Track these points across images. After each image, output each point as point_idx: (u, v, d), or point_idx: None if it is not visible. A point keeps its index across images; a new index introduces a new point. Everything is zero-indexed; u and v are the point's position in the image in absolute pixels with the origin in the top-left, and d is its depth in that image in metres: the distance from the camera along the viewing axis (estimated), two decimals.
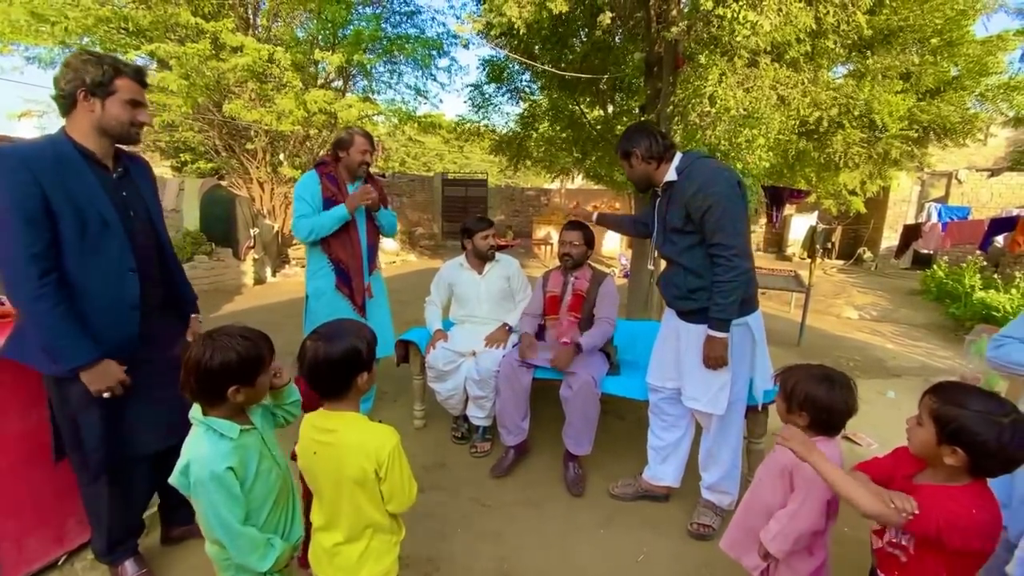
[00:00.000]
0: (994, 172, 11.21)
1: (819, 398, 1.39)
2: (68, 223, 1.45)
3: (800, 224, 12.57)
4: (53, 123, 12.68)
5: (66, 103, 1.50)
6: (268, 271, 8.07)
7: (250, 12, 7.99)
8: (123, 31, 6.87)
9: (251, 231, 7.59)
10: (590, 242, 2.77)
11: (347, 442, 1.25)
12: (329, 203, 2.63)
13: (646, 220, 2.39)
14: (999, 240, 6.17)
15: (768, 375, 2.20)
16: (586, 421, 2.49)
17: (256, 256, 7.73)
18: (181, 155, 12.38)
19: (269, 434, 1.36)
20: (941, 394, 1.15)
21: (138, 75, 1.59)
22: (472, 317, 3.02)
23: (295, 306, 6.31)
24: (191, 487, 1.17)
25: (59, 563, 1.92)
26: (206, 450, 1.19)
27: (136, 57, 6.99)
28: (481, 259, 3.00)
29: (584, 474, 2.60)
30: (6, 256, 1.40)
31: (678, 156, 2.08)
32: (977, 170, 11.34)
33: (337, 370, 1.24)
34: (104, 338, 1.54)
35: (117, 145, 1.65)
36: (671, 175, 2.07)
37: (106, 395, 1.54)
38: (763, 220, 12.88)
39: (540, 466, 2.75)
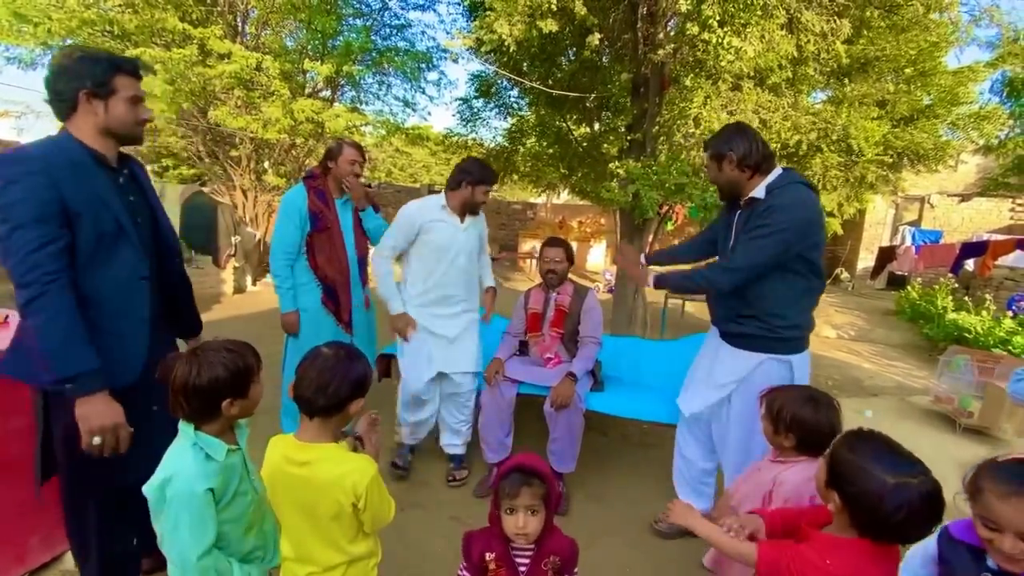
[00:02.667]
0: (965, 197, 11.63)
1: (805, 420, 1.41)
2: (85, 228, 1.37)
3: None
4: (30, 124, 12.43)
5: (65, 106, 1.42)
6: (248, 280, 7.94)
7: (239, 20, 7.96)
8: (107, 34, 6.78)
9: (232, 239, 7.47)
10: (571, 258, 2.78)
11: (322, 477, 1.19)
12: (315, 217, 2.56)
13: (714, 238, 2.13)
14: (969, 264, 6.37)
15: None
16: (570, 438, 2.48)
17: (236, 264, 7.60)
18: (163, 160, 12.19)
19: (248, 455, 1.31)
20: (846, 436, 1.12)
21: (135, 69, 1.51)
22: (438, 289, 2.54)
23: (276, 316, 6.20)
24: (166, 502, 1.11)
25: None
26: (191, 467, 1.13)
27: None
28: (466, 211, 2.57)
29: (568, 492, 2.58)
30: (19, 259, 1.28)
31: (776, 172, 1.85)
32: (948, 195, 11.75)
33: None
34: (111, 353, 1.41)
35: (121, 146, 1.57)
36: (760, 191, 1.83)
37: (96, 442, 1.33)
38: None
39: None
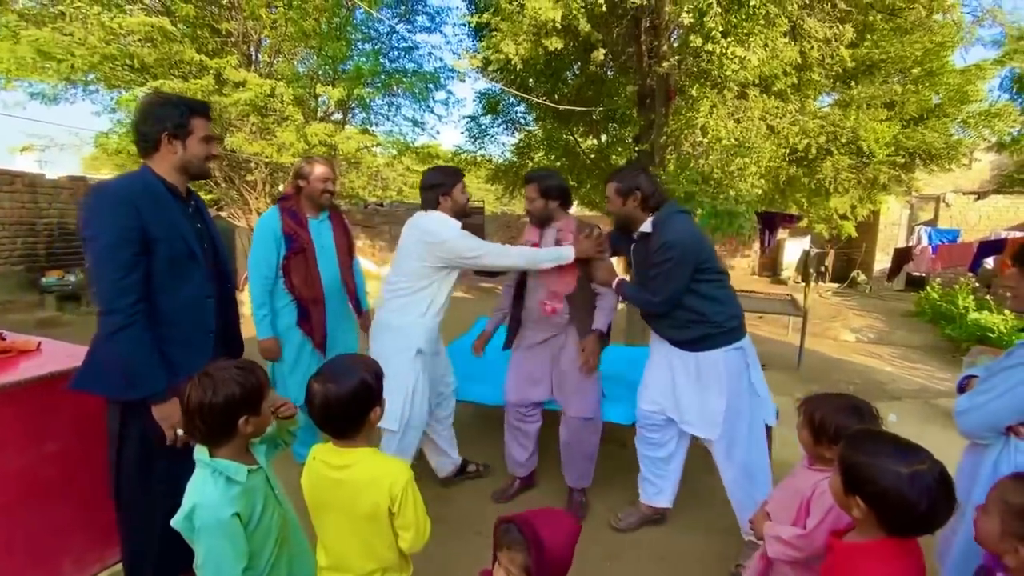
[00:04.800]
0: (981, 195, 11.45)
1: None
2: (161, 253, 1.55)
3: (793, 248, 12.71)
4: (53, 157, 12.83)
5: (149, 145, 1.61)
6: None
7: (252, 49, 8.20)
8: (128, 67, 7.03)
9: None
10: (549, 193, 2.38)
11: (360, 478, 1.23)
12: (289, 239, 2.53)
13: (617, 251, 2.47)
14: (989, 262, 6.27)
15: (766, 397, 2.24)
16: (585, 458, 2.50)
17: None
18: None
19: (271, 471, 1.35)
20: (849, 440, 1.12)
21: (208, 111, 1.70)
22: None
23: None
24: (195, 532, 1.14)
25: None
26: (212, 494, 1.15)
27: (140, 93, 7.14)
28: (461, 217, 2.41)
29: (587, 501, 2.58)
30: (107, 283, 1.48)
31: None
32: (964, 193, 11.58)
33: (349, 408, 1.23)
34: (180, 363, 1.57)
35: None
36: (647, 226, 2.17)
37: (180, 433, 1.53)
38: (756, 245, 13.01)
39: (545, 499, 2.71)
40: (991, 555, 1.03)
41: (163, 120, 1.58)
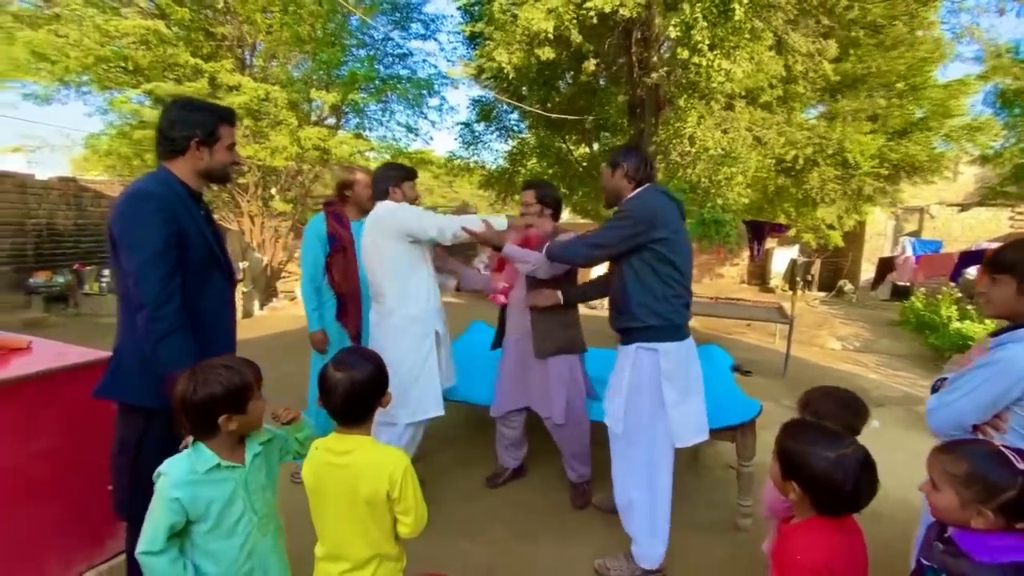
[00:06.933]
0: (964, 207, 11.68)
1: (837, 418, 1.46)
2: (191, 257, 1.56)
3: (782, 257, 12.88)
4: (44, 158, 12.73)
5: (174, 150, 1.60)
6: (256, 304, 8.04)
7: (247, 53, 8.23)
8: (121, 70, 7.03)
9: (240, 264, 7.60)
10: (546, 200, 2.55)
11: (361, 463, 1.28)
12: (332, 238, 2.77)
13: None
14: (971, 272, 6.40)
15: (691, 418, 2.09)
16: (578, 448, 2.58)
17: (244, 289, 7.72)
18: None
19: (259, 476, 1.33)
20: (784, 430, 1.20)
21: (234, 118, 1.71)
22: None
23: (282, 339, 6.27)
24: (155, 490, 1.20)
25: None
26: (175, 472, 1.21)
27: (133, 95, 7.14)
28: None
29: (590, 489, 2.67)
30: (155, 289, 1.45)
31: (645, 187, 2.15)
32: (948, 205, 11.81)
33: (367, 393, 1.30)
34: (209, 355, 1.57)
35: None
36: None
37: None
38: (745, 253, 13.17)
39: (534, 497, 2.75)
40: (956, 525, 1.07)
41: (194, 126, 1.58)
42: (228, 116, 1.67)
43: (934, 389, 1.49)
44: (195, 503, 1.20)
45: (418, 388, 2.30)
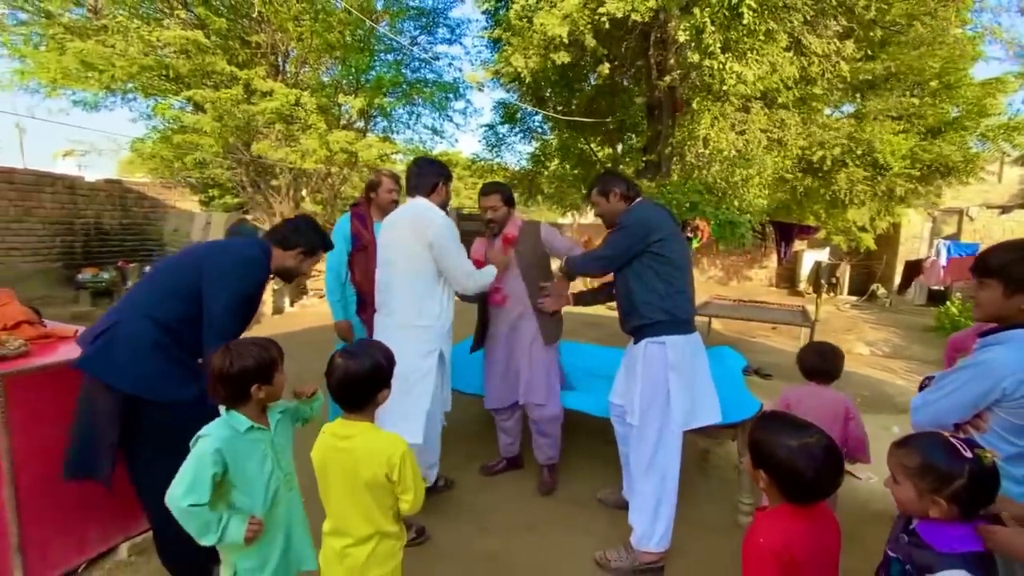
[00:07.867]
0: (1005, 209, 11.18)
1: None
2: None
3: (812, 260, 12.56)
4: (93, 161, 13.47)
5: (287, 248, 2.02)
6: (287, 301, 8.34)
7: (280, 60, 8.56)
8: (163, 78, 7.42)
9: None
10: (510, 201, 2.76)
11: (361, 447, 1.39)
12: (355, 238, 2.91)
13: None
14: None
15: (703, 405, 2.21)
16: (548, 436, 2.73)
17: (275, 287, 8.02)
18: (209, 191, 12.99)
19: (282, 438, 1.53)
20: (756, 422, 1.25)
21: (325, 252, 2.25)
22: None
23: (311, 335, 6.50)
24: (192, 448, 1.35)
25: (79, 570, 2.04)
26: (215, 431, 1.37)
27: (175, 101, 7.52)
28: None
29: (555, 477, 2.82)
30: (230, 326, 1.81)
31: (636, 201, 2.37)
32: (988, 207, 11.31)
33: (363, 384, 1.41)
34: None
35: None
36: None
37: None
38: (774, 256, 12.89)
39: (526, 478, 2.88)
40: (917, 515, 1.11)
41: (305, 243, 2.04)
42: (326, 246, 2.17)
43: (921, 387, 1.51)
44: (235, 456, 1.37)
45: (402, 406, 2.12)
